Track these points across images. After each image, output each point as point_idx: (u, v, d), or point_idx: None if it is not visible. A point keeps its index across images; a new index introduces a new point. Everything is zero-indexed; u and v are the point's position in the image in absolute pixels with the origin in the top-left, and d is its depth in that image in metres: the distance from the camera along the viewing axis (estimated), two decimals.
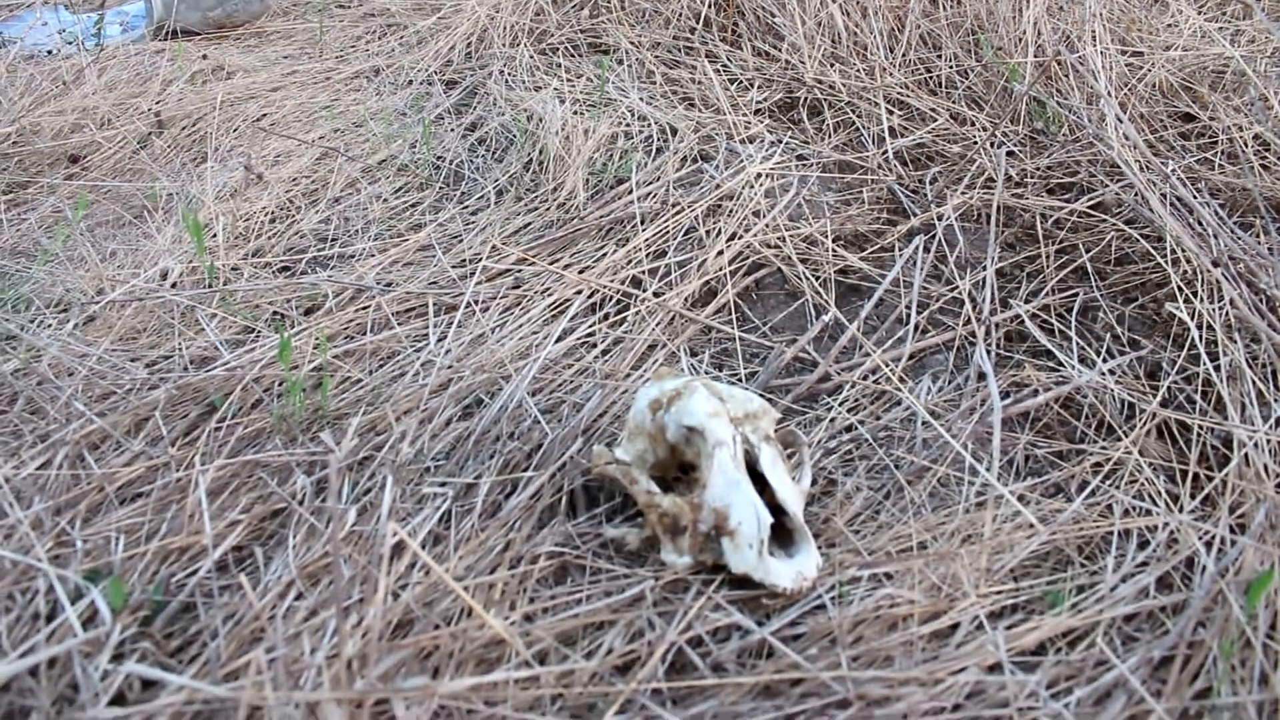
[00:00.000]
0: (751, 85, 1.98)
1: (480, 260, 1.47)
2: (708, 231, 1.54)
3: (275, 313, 1.38)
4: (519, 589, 0.93)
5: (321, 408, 1.16)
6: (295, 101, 2.06)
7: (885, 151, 1.75)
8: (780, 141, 1.78)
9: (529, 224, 1.60)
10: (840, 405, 1.19)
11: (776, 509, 0.95)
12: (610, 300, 1.41)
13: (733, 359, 1.31)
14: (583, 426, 1.13)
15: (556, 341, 1.30)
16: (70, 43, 2.29)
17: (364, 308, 1.36)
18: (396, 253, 1.52)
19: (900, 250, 1.49)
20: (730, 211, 1.57)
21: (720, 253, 1.48)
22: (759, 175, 1.66)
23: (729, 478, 0.94)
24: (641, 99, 1.92)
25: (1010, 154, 1.68)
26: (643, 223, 1.55)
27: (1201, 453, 1.09)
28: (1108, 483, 1.06)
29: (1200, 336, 1.21)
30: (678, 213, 1.57)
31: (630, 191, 1.63)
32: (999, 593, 0.92)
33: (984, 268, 1.40)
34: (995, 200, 1.52)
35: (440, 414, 1.14)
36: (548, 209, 1.65)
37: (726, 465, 0.94)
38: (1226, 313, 1.22)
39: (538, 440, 1.11)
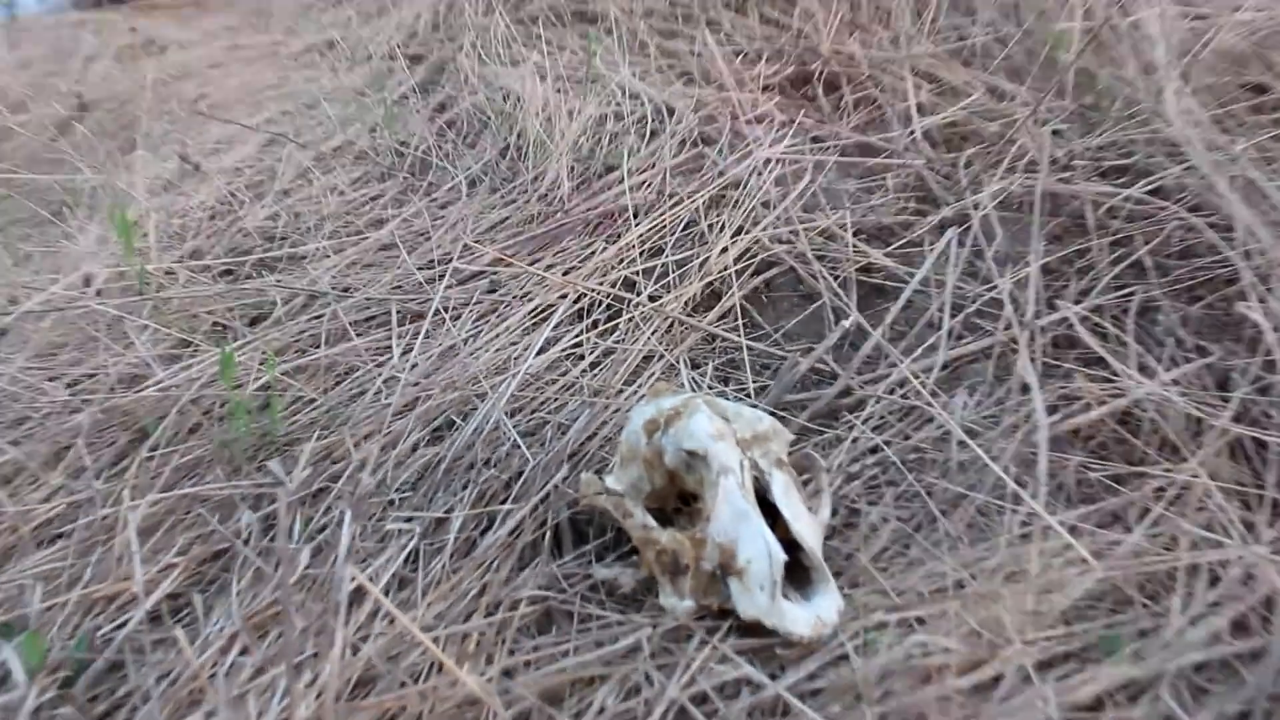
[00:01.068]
0: (759, 57, 1.98)
1: (450, 261, 1.47)
2: (710, 226, 1.54)
3: (216, 323, 1.38)
4: (497, 640, 0.93)
5: (270, 433, 1.16)
6: (238, 80, 2.07)
7: (913, 132, 1.75)
8: (792, 122, 1.79)
9: (506, 219, 1.60)
10: (864, 424, 1.19)
11: (791, 545, 0.95)
12: (599, 305, 1.41)
13: (740, 371, 1.31)
14: (569, 451, 1.13)
15: (538, 353, 1.30)
16: None
17: (318, 317, 1.36)
18: (355, 253, 1.52)
19: (931, 245, 1.49)
20: (736, 202, 1.57)
21: (725, 250, 1.48)
22: (768, 161, 1.66)
23: (736, 509, 0.94)
24: (634, 74, 1.92)
25: (1056, 133, 1.68)
26: (636, 216, 1.55)
27: None
28: (1172, 510, 1.05)
29: (1277, 340, 1.21)
30: (676, 204, 1.57)
31: (621, 181, 1.63)
32: (1048, 639, 0.91)
33: (1027, 264, 1.39)
34: (1039, 186, 1.52)
35: (406, 438, 1.15)
36: (527, 201, 1.65)
37: (733, 494, 0.94)
38: None
39: (517, 468, 1.11)
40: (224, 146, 1.86)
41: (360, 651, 0.89)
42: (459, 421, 1.19)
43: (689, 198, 1.58)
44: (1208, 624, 0.92)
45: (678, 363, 1.32)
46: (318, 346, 1.32)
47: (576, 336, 1.35)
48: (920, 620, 0.93)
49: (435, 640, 0.91)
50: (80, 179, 1.77)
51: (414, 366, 1.28)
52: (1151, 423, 1.16)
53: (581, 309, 1.41)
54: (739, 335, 1.37)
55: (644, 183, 1.64)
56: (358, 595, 0.94)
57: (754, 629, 0.92)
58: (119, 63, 2.08)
